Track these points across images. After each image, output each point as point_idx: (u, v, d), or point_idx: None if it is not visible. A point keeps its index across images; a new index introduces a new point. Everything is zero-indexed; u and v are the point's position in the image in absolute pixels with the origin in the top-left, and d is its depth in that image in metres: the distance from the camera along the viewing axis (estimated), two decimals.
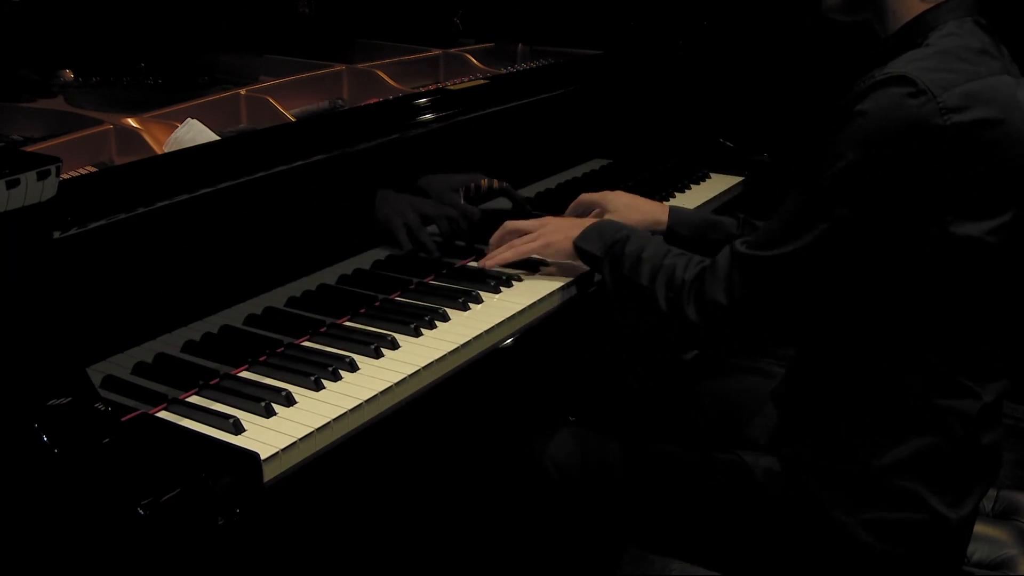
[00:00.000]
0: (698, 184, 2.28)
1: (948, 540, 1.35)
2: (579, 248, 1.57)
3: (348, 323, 1.52)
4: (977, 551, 1.64)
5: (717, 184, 2.30)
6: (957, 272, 1.24)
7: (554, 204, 2.02)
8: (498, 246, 1.66)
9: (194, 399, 1.28)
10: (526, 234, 1.65)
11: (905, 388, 1.30)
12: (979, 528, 1.65)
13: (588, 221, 1.62)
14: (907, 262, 1.24)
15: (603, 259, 1.53)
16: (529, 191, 2.05)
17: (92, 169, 1.48)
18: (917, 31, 1.30)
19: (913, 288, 1.25)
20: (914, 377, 1.29)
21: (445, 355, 1.41)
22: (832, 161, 1.21)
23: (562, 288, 1.66)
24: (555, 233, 1.62)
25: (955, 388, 1.29)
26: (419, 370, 1.37)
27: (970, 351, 1.29)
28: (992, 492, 1.79)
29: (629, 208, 1.74)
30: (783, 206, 1.29)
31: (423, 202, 1.72)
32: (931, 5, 1.30)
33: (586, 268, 1.63)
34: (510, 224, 1.68)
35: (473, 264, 1.71)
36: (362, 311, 1.54)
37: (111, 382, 1.28)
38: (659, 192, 2.17)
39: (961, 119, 1.18)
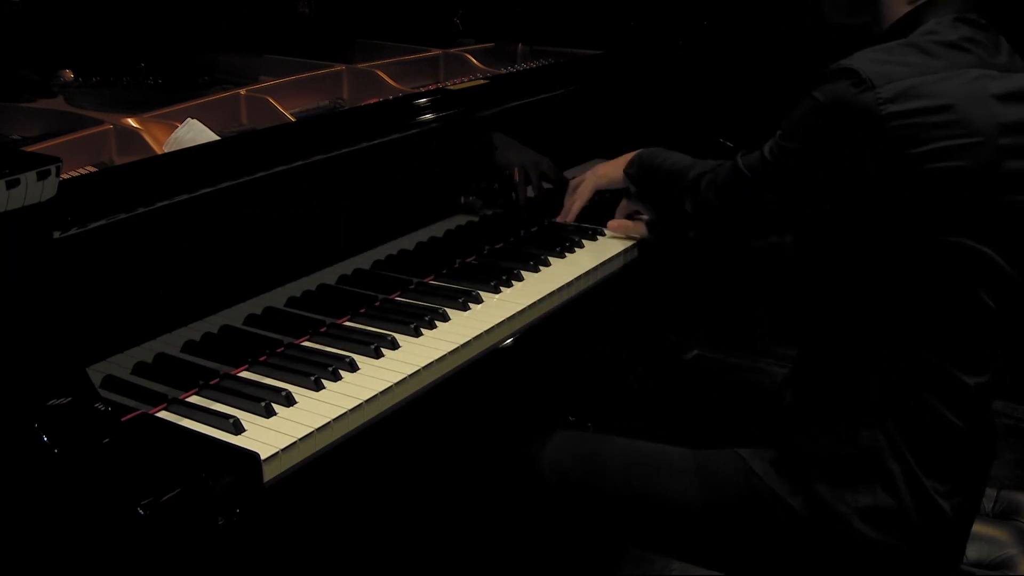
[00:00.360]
0: None
1: (945, 533, 1.36)
2: (627, 172, 1.83)
3: (348, 323, 1.52)
4: (977, 551, 1.64)
5: None
6: (916, 265, 1.28)
7: (554, 204, 2.03)
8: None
9: (194, 399, 1.28)
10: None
11: (895, 374, 1.32)
12: (979, 528, 1.65)
13: (629, 155, 1.86)
14: (868, 251, 1.31)
15: (640, 179, 1.80)
16: (529, 191, 2.05)
17: (92, 169, 1.47)
18: (903, 30, 1.36)
19: (883, 277, 1.31)
20: (902, 363, 1.32)
21: (445, 355, 1.41)
22: (786, 131, 1.36)
23: (562, 288, 1.66)
24: (604, 167, 1.89)
25: (940, 375, 1.31)
26: (419, 370, 1.37)
27: (953, 339, 1.31)
28: (992, 492, 1.79)
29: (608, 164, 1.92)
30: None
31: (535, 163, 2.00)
32: (916, 5, 1.36)
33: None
34: (573, 182, 1.95)
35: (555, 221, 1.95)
36: (362, 311, 1.54)
37: (111, 382, 1.28)
38: None
39: (897, 108, 1.23)
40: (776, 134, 1.39)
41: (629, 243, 1.86)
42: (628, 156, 1.85)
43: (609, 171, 1.88)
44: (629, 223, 1.88)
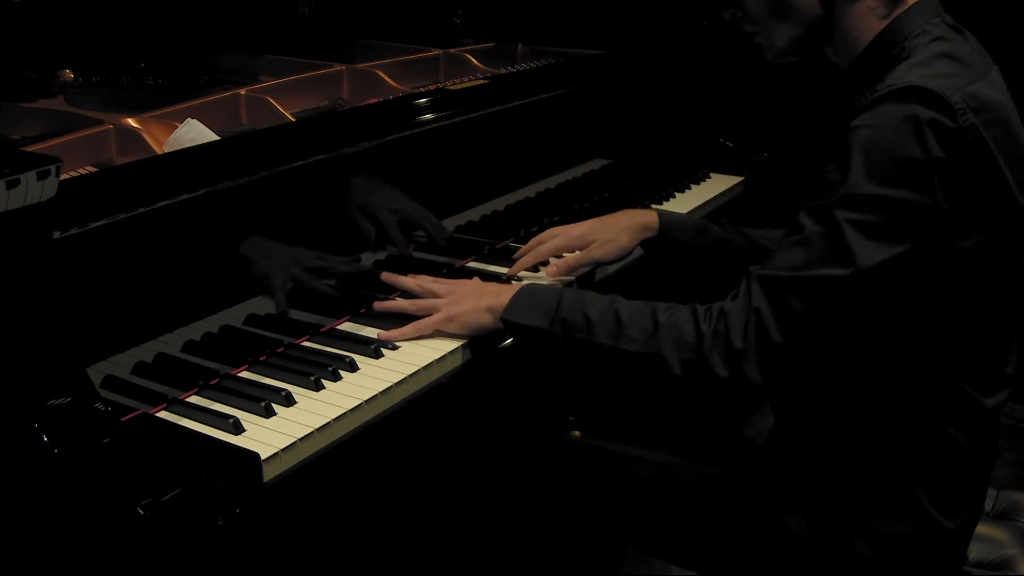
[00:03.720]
0: (698, 184, 2.28)
1: (945, 547, 1.35)
2: (508, 323, 1.38)
3: (348, 323, 1.52)
4: (977, 551, 1.64)
5: (717, 184, 2.30)
6: (959, 280, 1.21)
7: (554, 204, 2.03)
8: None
9: (194, 399, 1.28)
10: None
11: (907, 397, 1.28)
12: (979, 528, 1.64)
13: (501, 287, 1.45)
14: (917, 271, 1.18)
15: (551, 331, 1.34)
16: (529, 191, 2.05)
17: (92, 169, 1.47)
18: (885, 48, 1.27)
19: (917, 297, 1.21)
20: (916, 385, 1.27)
21: (445, 355, 1.41)
22: (843, 175, 1.16)
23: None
24: (461, 302, 1.42)
25: (958, 397, 1.26)
26: (419, 370, 1.37)
27: (973, 360, 1.27)
28: (992, 492, 1.79)
29: (610, 226, 1.60)
30: (792, 227, 1.22)
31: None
32: (890, 20, 1.27)
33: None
34: (424, 283, 1.49)
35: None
36: (362, 311, 1.54)
37: (111, 382, 1.28)
38: (659, 192, 2.17)
39: (973, 120, 1.15)
40: (831, 202, 1.16)
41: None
42: (494, 288, 1.43)
43: (463, 312, 1.41)
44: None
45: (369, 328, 1.48)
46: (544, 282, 1.56)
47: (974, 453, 1.30)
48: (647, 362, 1.26)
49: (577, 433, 2.07)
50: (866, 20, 1.28)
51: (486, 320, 1.39)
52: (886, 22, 1.28)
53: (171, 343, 1.36)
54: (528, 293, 1.38)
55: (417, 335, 1.42)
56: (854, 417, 1.32)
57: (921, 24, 1.26)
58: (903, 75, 1.18)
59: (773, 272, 1.20)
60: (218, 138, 1.53)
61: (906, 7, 1.27)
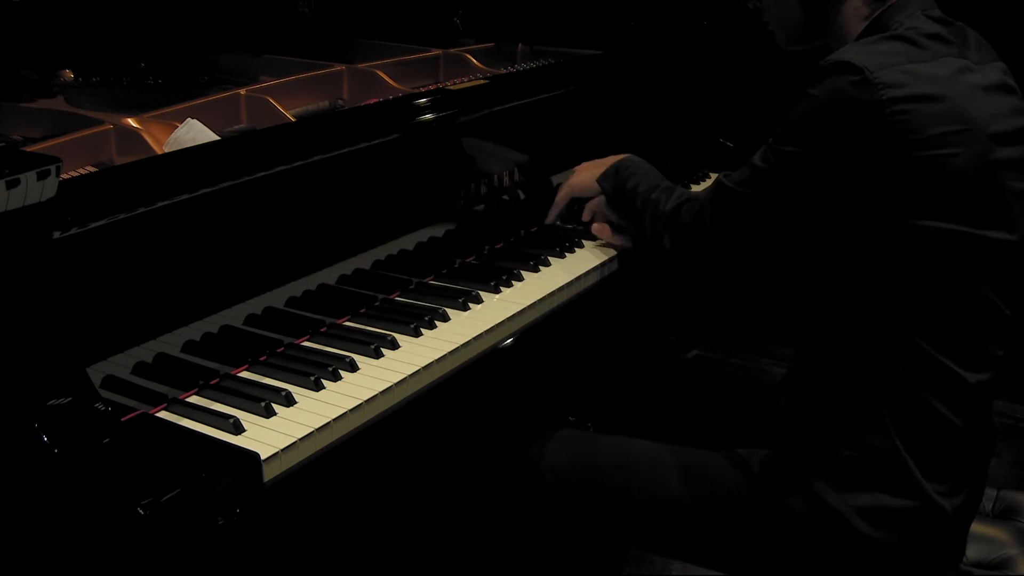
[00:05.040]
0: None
1: (944, 531, 1.36)
2: (600, 184, 1.79)
3: (348, 323, 1.52)
4: (977, 551, 1.64)
5: None
6: (915, 257, 1.28)
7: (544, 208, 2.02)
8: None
9: (194, 399, 1.28)
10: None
11: (894, 371, 1.32)
12: (979, 528, 1.65)
13: (610, 160, 1.82)
14: (865, 244, 1.30)
15: (612, 195, 1.76)
16: (530, 191, 2.05)
17: (92, 169, 1.48)
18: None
19: (881, 271, 1.30)
20: (901, 360, 1.31)
21: (445, 355, 1.41)
22: (783, 135, 1.34)
23: (562, 288, 1.66)
24: (580, 176, 1.87)
25: (934, 367, 1.31)
26: (419, 370, 1.37)
27: (952, 334, 1.30)
28: (992, 492, 1.79)
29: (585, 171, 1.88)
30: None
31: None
32: (872, 18, 1.38)
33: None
34: (561, 188, 1.92)
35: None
36: (362, 311, 1.54)
37: (111, 382, 1.28)
38: None
39: (897, 94, 1.23)
40: (768, 143, 1.36)
41: (630, 243, 1.85)
42: (605, 162, 1.81)
43: (585, 180, 1.84)
44: (608, 231, 1.82)
45: (370, 328, 1.48)
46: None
47: (966, 431, 1.33)
48: (638, 225, 1.68)
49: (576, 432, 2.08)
50: (851, 20, 1.41)
51: (591, 182, 1.83)
52: (867, 22, 1.39)
53: (171, 343, 1.36)
54: (616, 165, 1.79)
55: (562, 203, 1.89)
56: (838, 386, 1.36)
57: (901, 19, 1.34)
58: (844, 52, 1.30)
59: (726, 180, 1.44)
60: (218, 138, 1.54)
61: (887, 5, 1.37)
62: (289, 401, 1.26)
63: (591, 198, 1.84)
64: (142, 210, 1.27)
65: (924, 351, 1.30)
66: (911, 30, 1.32)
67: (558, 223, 1.92)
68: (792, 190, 1.35)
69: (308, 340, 1.46)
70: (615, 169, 1.76)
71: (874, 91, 1.23)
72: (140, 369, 1.32)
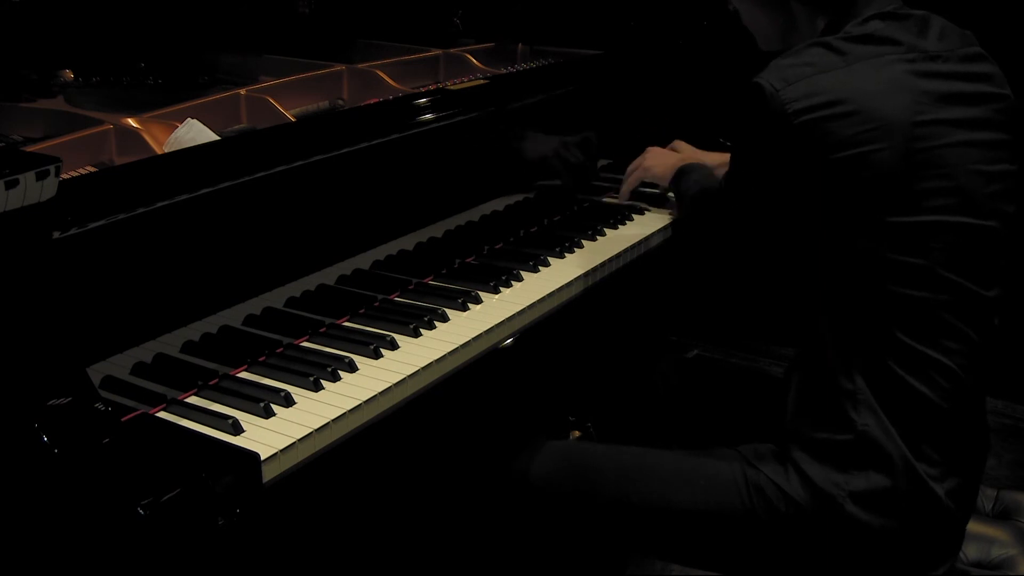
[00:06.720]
0: None
1: (939, 518, 1.36)
2: (676, 173, 1.93)
3: (347, 323, 1.52)
4: (976, 551, 1.64)
5: None
6: (870, 250, 1.32)
7: (555, 203, 2.03)
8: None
9: (193, 399, 1.28)
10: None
11: (877, 359, 1.34)
12: (979, 528, 1.65)
13: (676, 155, 2.02)
14: (824, 243, 1.36)
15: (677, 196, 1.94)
16: (530, 191, 2.05)
17: (92, 169, 1.48)
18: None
19: (845, 265, 1.34)
20: (881, 347, 1.34)
21: (444, 356, 1.42)
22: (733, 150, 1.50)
23: (561, 288, 1.66)
24: (655, 161, 2.03)
25: (916, 356, 1.33)
26: (418, 371, 1.37)
27: (917, 318, 1.33)
28: (992, 492, 1.79)
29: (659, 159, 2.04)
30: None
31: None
32: (826, 23, 1.43)
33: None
34: (629, 168, 2.09)
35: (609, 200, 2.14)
36: (361, 311, 1.54)
37: (111, 382, 1.28)
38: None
39: (801, 105, 1.30)
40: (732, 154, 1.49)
41: (629, 243, 1.86)
42: (679, 158, 1.99)
43: (658, 170, 2.00)
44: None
45: (369, 328, 1.48)
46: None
47: (951, 414, 1.35)
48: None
49: (577, 433, 2.08)
50: (807, 25, 1.46)
51: (666, 176, 1.99)
52: (824, 22, 1.43)
53: (170, 343, 1.36)
54: (692, 165, 1.93)
55: (635, 183, 2.07)
56: (829, 372, 1.38)
57: (852, 22, 1.38)
58: (767, 69, 1.36)
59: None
60: (218, 138, 1.54)
61: (840, 7, 1.41)
62: (288, 402, 1.27)
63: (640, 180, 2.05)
64: (142, 210, 1.27)
65: (897, 339, 1.33)
66: (842, 35, 1.36)
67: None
68: (757, 194, 1.44)
69: (307, 340, 1.46)
70: (692, 168, 1.91)
71: (781, 105, 1.30)
72: (139, 369, 1.32)
